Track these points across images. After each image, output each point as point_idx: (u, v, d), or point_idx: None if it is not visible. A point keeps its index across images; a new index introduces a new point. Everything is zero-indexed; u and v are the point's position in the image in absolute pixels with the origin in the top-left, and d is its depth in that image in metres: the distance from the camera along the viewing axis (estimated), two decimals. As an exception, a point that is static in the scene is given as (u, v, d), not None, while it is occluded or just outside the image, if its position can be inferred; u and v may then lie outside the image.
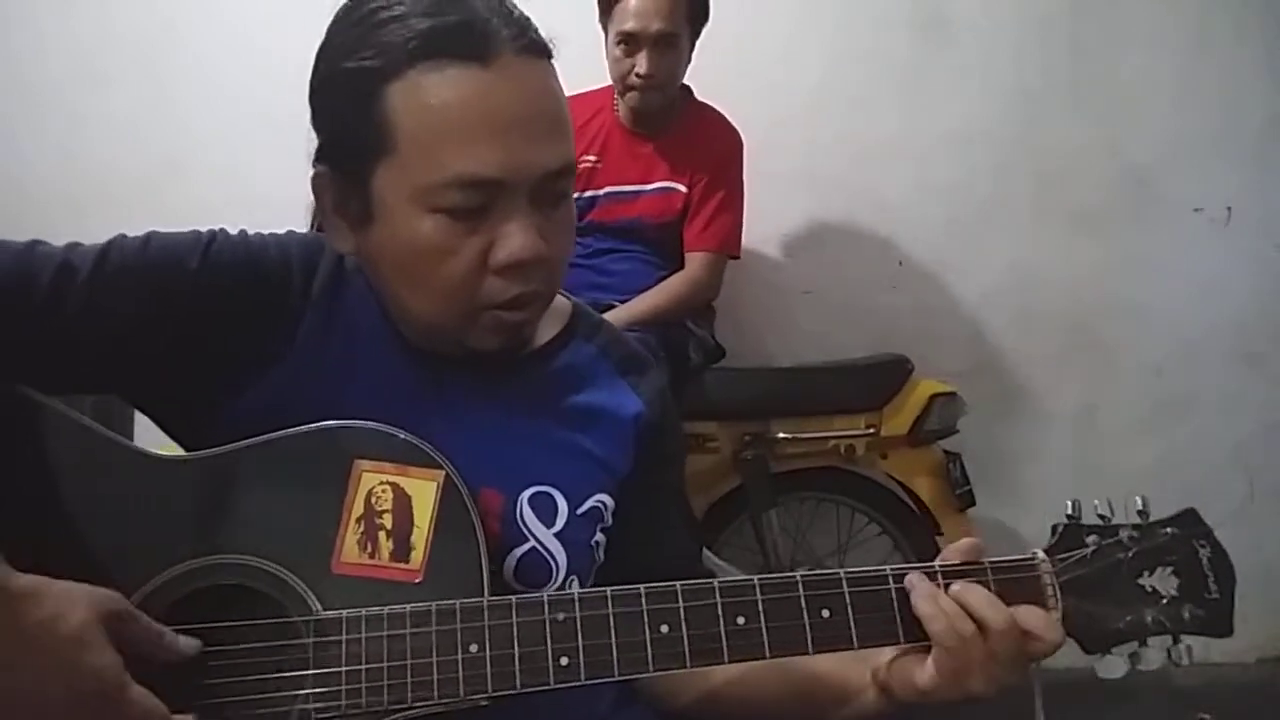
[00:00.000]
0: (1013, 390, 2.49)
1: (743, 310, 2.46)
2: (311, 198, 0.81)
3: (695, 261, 2.13)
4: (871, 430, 2.06)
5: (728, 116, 2.17)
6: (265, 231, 0.85)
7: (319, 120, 0.78)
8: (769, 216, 2.47)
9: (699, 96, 2.18)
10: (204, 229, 0.82)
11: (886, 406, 2.08)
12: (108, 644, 0.62)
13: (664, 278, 2.12)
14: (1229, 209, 2.46)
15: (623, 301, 2.04)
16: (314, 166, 0.79)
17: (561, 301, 0.92)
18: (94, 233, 0.78)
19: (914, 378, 2.13)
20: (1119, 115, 2.44)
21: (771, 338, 2.43)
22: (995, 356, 2.51)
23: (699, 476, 2.06)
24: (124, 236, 0.79)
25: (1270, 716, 2.35)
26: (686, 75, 2.13)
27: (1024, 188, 2.47)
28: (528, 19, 0.77)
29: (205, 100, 2.37)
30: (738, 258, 2.19)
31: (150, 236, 0.79)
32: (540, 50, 0.76)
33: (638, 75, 2.00)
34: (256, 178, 2.14)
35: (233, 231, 0.83)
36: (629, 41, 1.99)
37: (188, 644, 0.68)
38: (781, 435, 2.07)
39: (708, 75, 2.21)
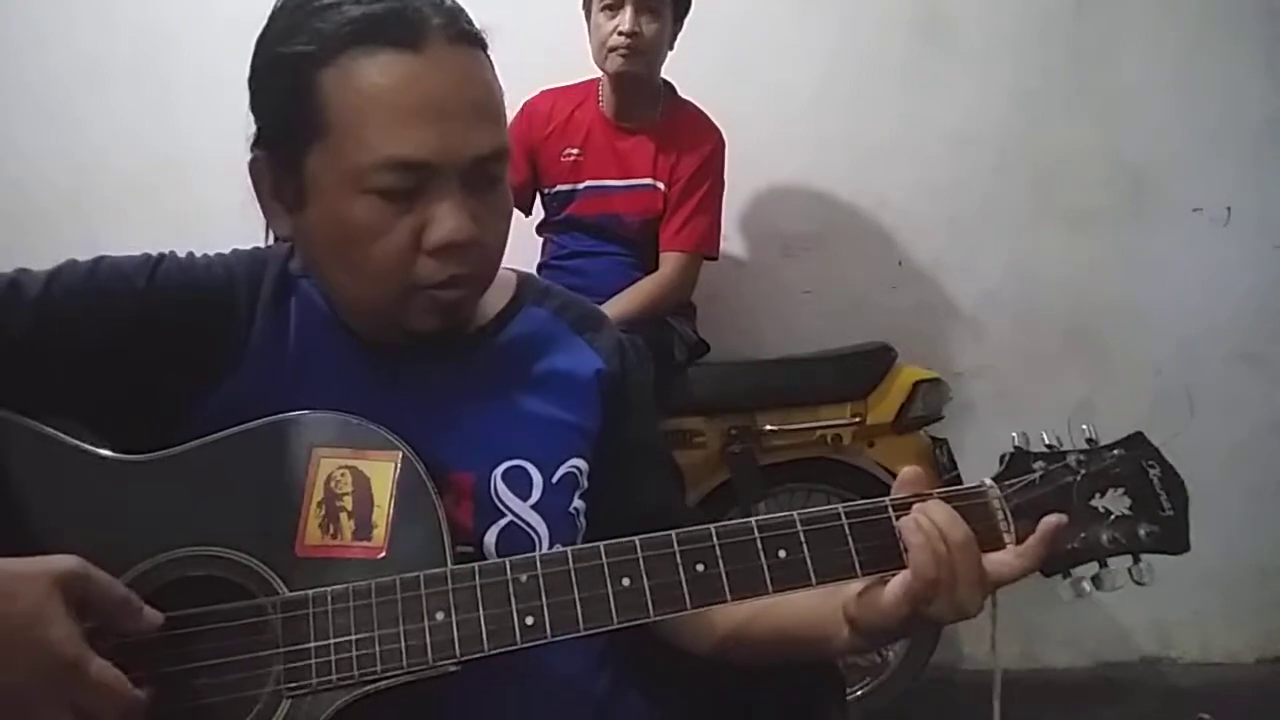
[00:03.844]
0: (1012, 390, 2.48)
1: (743, 310, 2.46)
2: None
3: (669, 262, 2.09)
4: (857, 419, 2.06)
5: (724, 116, 2.15)
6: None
7: (257, 105, 0.80)
8: (769, 216, 2.47)
9: (701, 95, 2.17)
10: (154, 253, 0.84)
11: (871, 395, 2.08)
12: (66, 614, 0.61)
13: (641, 279, 2.09)
14: (1228, 209, 2.46)
15: (599, 303, 2.02)
16: (251, 152, 0.81)
17: (506, 274, 0.93)
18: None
19: (897, 365, 2.12)
20: (1118, 115, 2.44)
21: (772, 338, 2.42)
22: (995, 356, 2.51)
23: (687, 472, 2.04)
24: (74, 261, 0.81)
25: (1270, 716, 2.35)
26: (685, 76, 2.12)
27: (1024, 188, 2.46)
28: (460, 9, 0.79)
29: (205, 100, 2.36)
30: (715, 259, 2.16)
31: (100, 259, 0.81)
32: (471, 39, 0.78)
33: (620, 33, 1.95)
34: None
35: (238, 227, 0.85)
36: (613, 6, 1.96)
37: (151, 614, 0.67)
38: (768, 427, 2.06)
39: (708, 75, 2.21)
